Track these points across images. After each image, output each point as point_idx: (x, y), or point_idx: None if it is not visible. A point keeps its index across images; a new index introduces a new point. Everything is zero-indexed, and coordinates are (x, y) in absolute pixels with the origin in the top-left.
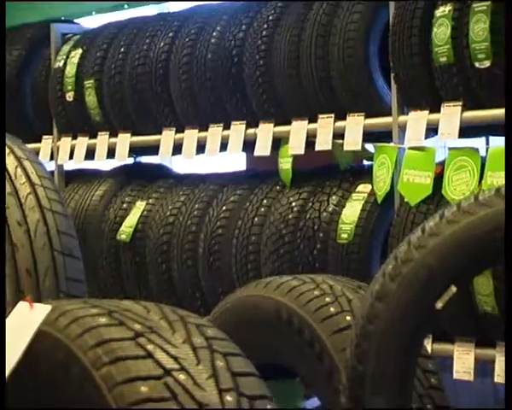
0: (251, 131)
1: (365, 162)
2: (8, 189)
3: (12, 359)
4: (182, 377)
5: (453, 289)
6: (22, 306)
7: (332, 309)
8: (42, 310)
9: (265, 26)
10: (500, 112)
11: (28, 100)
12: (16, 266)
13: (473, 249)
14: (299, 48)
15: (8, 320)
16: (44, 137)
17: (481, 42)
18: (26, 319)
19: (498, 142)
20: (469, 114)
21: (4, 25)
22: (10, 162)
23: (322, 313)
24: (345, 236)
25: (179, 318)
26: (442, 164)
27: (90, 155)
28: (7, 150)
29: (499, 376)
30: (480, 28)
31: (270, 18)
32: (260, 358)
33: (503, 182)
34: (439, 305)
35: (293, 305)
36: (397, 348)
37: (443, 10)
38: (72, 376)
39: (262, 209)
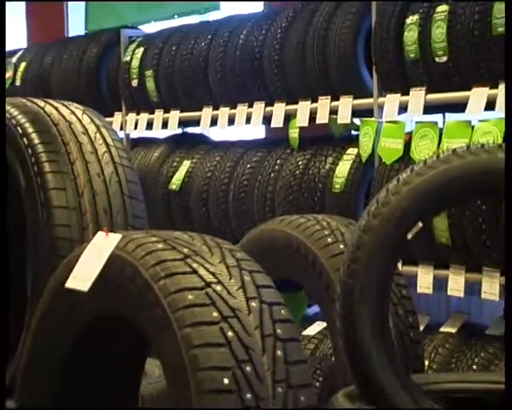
0: (268, 108)
1: (353, 132)
2: (89, 149)
3: (93, 273)
4: (218, 288)
5: (420, 224)
6: (100, 235)
7: (329, 239)
8: (115, 238)
9: (279, 30)
10: (453, 95)
11: (104, 85)
12: (96, 207)
13: (434, 195)
14: (304, 46)
15: (89, 245)
16: (116, 113)
17: (440, 42)
18: (103, 245)
19: (452, 117)
20: (431, 96)
21: (4, 25)
22: (91, 129)
23: (321, 243)
24: (338, 186)
25: (216, 244)
26: (410, 134)
27: (149, 126)
28: (88, 120)
29: (451, 290)
30: (439, 32)
31: (283, 24)
32: (276, 275)
33: (455, 146)
34: (409, 236)
35: (301, 236)
36: (377, 268)
37: (411, 19)
38: (137, 287)
39: (276, 167)
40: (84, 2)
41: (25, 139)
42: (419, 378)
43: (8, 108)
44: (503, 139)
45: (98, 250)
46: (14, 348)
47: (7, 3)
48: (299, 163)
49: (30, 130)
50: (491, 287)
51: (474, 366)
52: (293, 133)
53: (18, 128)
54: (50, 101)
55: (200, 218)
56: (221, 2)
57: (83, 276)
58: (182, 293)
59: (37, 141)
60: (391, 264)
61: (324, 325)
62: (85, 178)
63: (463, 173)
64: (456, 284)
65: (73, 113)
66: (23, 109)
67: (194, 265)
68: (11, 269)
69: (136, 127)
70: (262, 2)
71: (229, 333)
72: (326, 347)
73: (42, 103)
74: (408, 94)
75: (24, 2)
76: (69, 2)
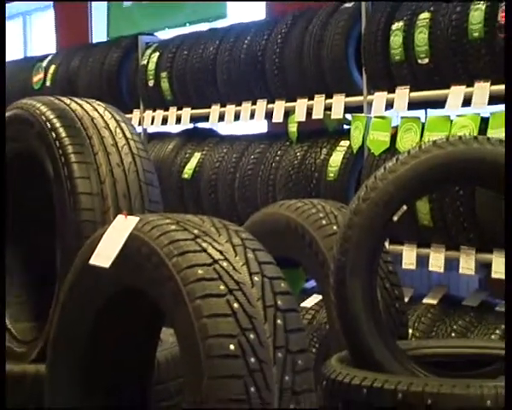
0: (270, 106)
1: (345, 126)
2: (110, 141)
3: (113, 252)
4: (225, 264)
5: (404, 207)
6: (120, 218)
7: (324, 221)
8: (133, 220)
9: (279, 36)
10: (434, 93)
11: (124, 86)
12: (116, 193)
13: (417, 181)
14: (302, 50)
15: (110, 227)
16: (134, 110)
17: (422, 46)
18: (123, 226)
19: (433, 112)
20: (414, 94)
21: (4, 25)
22: (112, 123)
23: (317, 224)
24: (331, 175)
25: (223, 226)
26: (396, 127)
27: (164, 122)
28: (109, 115)
29: (432, 266)
30: (421, 37)
31: (283, 31)
32: (276, 253)
33: (436, 138)
34: (395, 218)
35: (299, 219)
36: (367, 246)
37: (397, 25)
38: (153, 264)
39: (277, 158)
40: (106, 12)
41: (53, 133)
42: (404, 344)
43: (38, 105)
44: (505, 136)
45: (118, 231)
46: (46, 318)
47: (38, 14)
48: (297, 154)
49: (57, 125)
50: (467, 263)
51: (453, 333)
52: (292, 127)
53: (47, 123)
54: (75, 99)
55: (210, 203)
56: (228, 12)
57: (104, 254)
58: (192, 269)
59: (63, 135)
60: (379, 243)
61: (320, 297)
62: (107, 167)
63: (443, 162)
64: (437, 260)
65: (96, 109)
66: (51, 106)
67: (204, 244)
68: (42, 248)
69: (152, 123)
70: (264, 10)
71: (235, 304)
72: (321, 317)
73: (68, 101)
74: (394, 92)
75: (53, 13)
76: (93, 12)
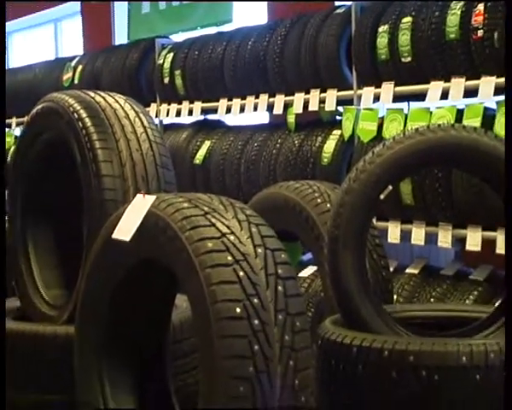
0: (271, 99)
1: (338, 117)
2: (130, 129)
3: (133, 226)
4: (231, 237)
5: (390, 188)
6: (139, 197)
7: (319, 200)
8: (150, 199)
9: (279, 38)
10: (416, 87)
11: (142, 82)
12: (135, 175)
13: (401, 164)
14: (299, 51)
15: (130, 205)
16: (152, 103)
17: (405, 46)
18: (141, 204)
19: (415, 105)
20: (398, 88)
21: (4, 25)
22: (131, 114)
23: (313, 202)
24: (325, 160)
25: (230, 203)
26: (382, 118)
27: (177, 114)
28: (129, 107)
29: (414, 240)
30: (404, 38)
31: (282, 33)
32: (277, 228)
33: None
34: (382, 197)
35: (296, 198)
36: (356, 222)
37: (383, 28)
38: (168, 237)
39: (277, 145)
40: (126, 17)
41: (80, 123)
42: (389, 308)
43: (66, 98)
44: (505, 136)
45: (137, 209)
46: (74, 286)
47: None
48: (295, 142)
49: (83, 115)
50: (444, 237)
51: (432, 299)
52: (291, 118)
53: (74, 114)
54: (99, 92)
55: (218, 185)
56: (233, 17)
57: (125, 229)
58: (203, 241)
59: (89, 124)
60: (367, 219)
61: (315, 268)
62: (127, 152)
63: (424, 147)
64: (418, 235)
65: (117, 101)
66: (78, 99)
67: (213, 219)
68: (71, 224)
69: (167, 115)
70: (266, 14)
71: (241, 273)
72: (317, 285)
73: (92, 94)
74: (380, 87)
75: (80, 19)
76: (115, 18)
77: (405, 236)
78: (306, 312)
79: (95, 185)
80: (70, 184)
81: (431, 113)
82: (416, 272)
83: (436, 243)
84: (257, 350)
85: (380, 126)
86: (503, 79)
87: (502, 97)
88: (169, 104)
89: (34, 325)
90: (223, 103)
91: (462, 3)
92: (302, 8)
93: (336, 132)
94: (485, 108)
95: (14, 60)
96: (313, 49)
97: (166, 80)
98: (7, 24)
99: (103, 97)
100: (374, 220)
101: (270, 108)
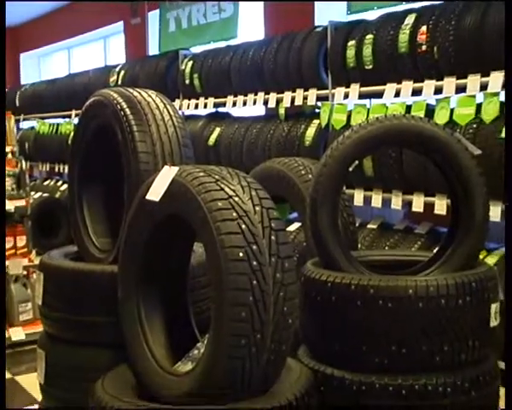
0: (266, 96)
1: (317, 110)
2: (159, 117)
3: (162, 190)
4: (236, 198)
5: (356, 162)
6: (166, 168)
7: (303, 172)
8: (174, 170)
9: (273, 49)
10: (376, 88)
11: (169, 83)
12: (164, 152)
13: (365, 144)
14: (288, 59)
15: (159, 174)
16: (176, 99)
17: (368, 57)
18: (168, 174)
19: (375, 101)
20: (363, 88)
21: (4, 25)
22: (161, 105)
23: (298, 174)
24: (307, 142)
25: (235, 173)
26: (350, 111)
27: (195, 107)
28: (159, 100)
29: (374, 203)
30: (367, 51)
31: (275, 46)
32: (271, 193)
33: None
34: (350, 169)
35: (286, 170)
36: (331, 188)
37: (351, 43)
38: (188, 198)
39: (271, 131)
40: (158, 35)
41: (121, 112)
42: (355, 253)
43: (111, 93)
44: (505, 137)
45: (164, 177)
46: (117, 235)
47: (113, 36)
48: (285, 129)
49: (124, 106)
50: (397, 202)
51: (386, 247)
52: (281, 111)
53: (117, 106)
54: (137, 89)
55: (226, 161)
56: (238, 33)
57: (156, 192)
58: (214, 202)
59: (128, 113)
60: (339, 186)
61: (299, 224)
62: (157, 135)
63: (382, 131)
64: (377, 200)
65: (150, 96)
66: (120, 94)
67: (222, 185)
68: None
69: (188, 108)
70: (263, 32)
71: (243, 226)
72: (300, 237)
73: (131, 90)
74: (349, 87)
75: (123, 36)
76: (149, 35)
77: (367, 200)
78: (293, 256)
79: (133, 159)
80: (114, 157)
81: (387, 107)
82: (374, 227)
83: (390, 205)
84: (255, 285)
85: (348, 117)
86: (440, 82)
87: (440, 96)
88: (189, 100)
89: (87, 264)
90: (230, 99)
91: (410, 25)
92: (290, 27)
93: (316, 122)
94: (427, 104)
95: (74, 67)
96: (298, 58)
97: (187, 81)
98: (69, 41)
99: (139, 93)
100: (344, 188)
101: (266, 102)
